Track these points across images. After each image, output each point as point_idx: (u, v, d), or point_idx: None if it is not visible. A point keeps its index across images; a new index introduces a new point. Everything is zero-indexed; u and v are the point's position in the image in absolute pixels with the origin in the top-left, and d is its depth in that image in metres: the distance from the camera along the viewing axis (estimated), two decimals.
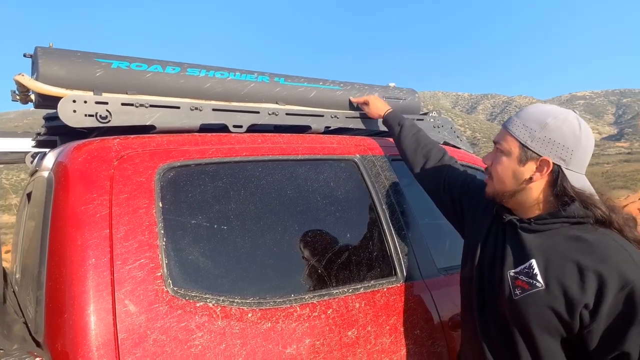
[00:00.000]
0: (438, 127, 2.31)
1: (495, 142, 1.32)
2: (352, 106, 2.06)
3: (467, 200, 1.53)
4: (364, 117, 2.06)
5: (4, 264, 1.62)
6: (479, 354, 1.31)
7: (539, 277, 1.16)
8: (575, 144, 1.19)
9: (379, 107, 2.00)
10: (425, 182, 1.72)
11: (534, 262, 1.19)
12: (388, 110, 1.97)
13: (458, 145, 2.36)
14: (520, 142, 1.22)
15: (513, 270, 1.23)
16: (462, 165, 2.14)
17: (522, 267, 1.21)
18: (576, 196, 1.19)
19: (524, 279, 1.19)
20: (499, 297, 1.25)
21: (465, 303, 1.43)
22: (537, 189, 1.24)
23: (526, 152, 1.21)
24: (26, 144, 2.69)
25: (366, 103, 2.02)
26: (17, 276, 1.94)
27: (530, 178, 1.22)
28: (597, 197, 1.20)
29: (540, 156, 1.20)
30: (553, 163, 1.19)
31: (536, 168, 1.22)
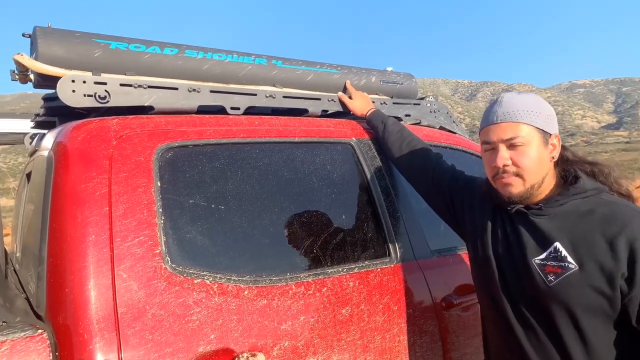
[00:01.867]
0: (434, 111, 2.33)
1: (507, 140, 1.23)
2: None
3: (457, 197, 1.53)
4: None
5: (5, 248, 1.65)
6: (518, 348, 1.28)
7: (570, 259, 1.16)
8: (555, 114, 1.29)
9: (362, 105, 1.98)
10: (412, 178, 1.74)
11: (558, 244, 1.19)
12: (371, 110, 1.95)
13: (454, 130, 2.39)
14: (536, 127, 1.23)
15: (538, 258, 1.22)
16: (458, 150, 2.17)
17: (548, 252, 1.21)
18: (580, 160, 1.27)
19: (554, 263, 1.19)
20: (529, 288, 1.24)
21: (488, 304, 1.39)
22: (550, 170, 1.27)
23: (543, 134, 1.24)
24: (25, 125, 2.70)
25: (350, 98, 1.99)
26: (17, 255, 1.97)
27: (553, 157, 1.26)
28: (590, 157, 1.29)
29: (551, 133, 1.25)
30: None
31: (552, 147, 1.26)
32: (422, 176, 1.67)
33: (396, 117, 2.19)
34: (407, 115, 2.21)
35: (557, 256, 1.19)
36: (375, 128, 1.89)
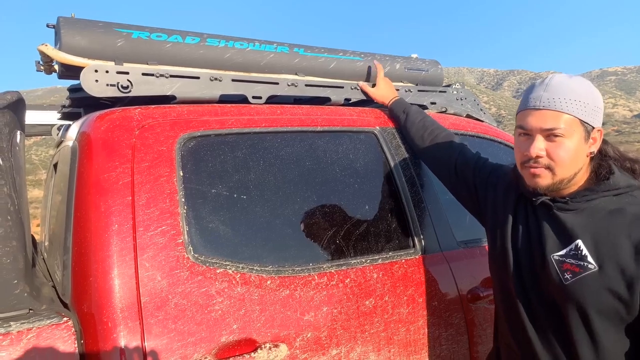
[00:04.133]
0: (461, 99, 2.27)
1: (547, 129, 1.14)
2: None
3: (481, 186, 1.46)
4: None
5: (34, 236, 1.68)
6: (526, 342, 1.25)
7: (590, 258, 1.10)
8: (603, 106, 1.18)
9: (385, 94, 1.93)
10: (436, 168, 1.68)
11: (580, 242, 1.12)
12: (394, 99, 1.90)
13: (481, 118, 2.32)
14: (580, 119, 1.12)
15: (557, 254, 1.16)
16: (485, 139, 2.10)
17: (568, 249, 1.14)
18: (621, 157, 1.17)
19: (573, 261, 1.13)
20: (544, 284, 1.19)
21: (502, 294, 1.35)
22: (585, 164, 1.18)
23: (587, 127, 1.14)
24: (53, 117, 2.75)
25: (374, 86, 1.94)
26: (45, 244, 2.01)
27: (592, 152, 1.17)
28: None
29: (594, 127, 1.15)
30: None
31: (593, 141, 1.16)
32: (446, 166, 1.61)
33: (421, 105, 2.14)
34: (432, 103, 2.15)
35: (577, 254, 1.12)
36: (397, 117, 1.84)
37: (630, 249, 1.06)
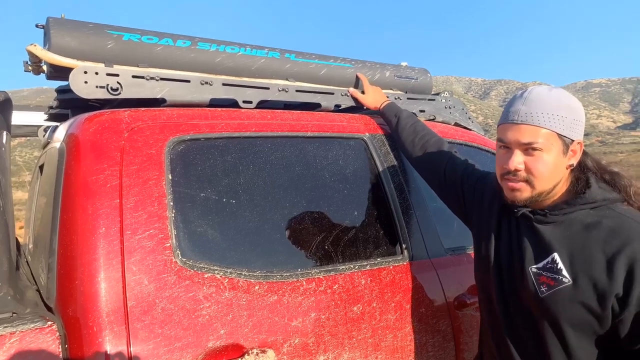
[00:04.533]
0: (449, 107, 2.29)
1: (524, 144, 1.15)
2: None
3: (469, 192, 1.48)
4: None
5: (18, 239, 1.65)
6: (505, 350, 1.27)
7: (565, 272, 1.12)
8: (584, 118, 1.19)
9: (376, 98, 1.94)
10: (425, 173, 1.69)
11: (556, 256, 1.14)
12: (385, 102, 1.91)
13: (469, 127, 2.34)
14: (558, 133, 1.13)
15: (535, 266, 1.18)
16: (473, 147, 2.13)
17: (545, 262, 1.16)
18: (598, 169, 1.18)
19: (549, 274, 1.14)
20: (522, 295, 1.21)
21: (484, 300, 1.38)
22: (565, 176, 1.19)
23: (564, 140, 1.14)
24: (39, 118, 2.72)
25: (364, 93, 1.95)
26: (30, 246, 1.98)
27: (571, 165, 1.18)
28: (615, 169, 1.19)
29: (573, 140, 1.15)
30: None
31: (572, 153, 1.17)
32: (435, 171, 1.62)
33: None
34: (421, 111, 2.17)
35: (552, 267, 1.14)
36: (389, 121, 1.85)
37: (603, 264, 1.07)
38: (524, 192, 1.18)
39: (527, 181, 1.17)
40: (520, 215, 1.24)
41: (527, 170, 1.16)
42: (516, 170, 1.17)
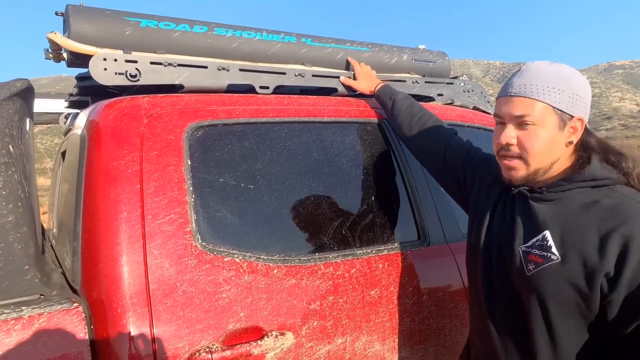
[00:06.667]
0: (468, 91, 2.26)
1: (516, 117, 1.11)
2: (381, 68, 2.02)
3: (470, 175, 1.43)
4: (395, 81, 2.02)
5: (42, 224, 1.69)
6: (485, 333, 1.23)
7: (554, 249, 1.06)
8: (589, 95, 1.14)
9: (368, 83, 1.86)
10: (422, 156, 1.63)
11: (547, 233, 1.09)
12: (379, 85, 1.84)
13: (488, 111, 2.31)
14: (553, 107, 1.09)
15: (525, 245, 1.13)
16: (493, 131, 2.10)
17: (535, 239, 1.11)
18: (602, 149, 1.12)
19: (537, 252, 1.09)
20: (509, 274, 1.16)
21: (471, 279, 1.34)
22: (565, 155, 1.15)
23: (562, 115, 1.09)
24: (60, 105, 2.76)
25: (355, 79, 1.88)
26: (54, 231, 2.03)
27: (570, 142, 1.13)
28: (619, 148, 1.13)
29: (573, 116, 1.10)
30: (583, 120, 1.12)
31: (572, 130, 1.12)
32: (433, 154, 1.56)
33: (428, 97, 2.14)
34: (439, 95, 2.15)
35: (542, 245, 1.09)
36: (384, 104, 1.78)
37: (595, 241, 1.01)
38: (520, 171, 1.15)
39: (521, 158, 1.13)
40: (517, 194, 1.19)
41: (520, 145, 1.12)
42: (508, 145, 1.14)
